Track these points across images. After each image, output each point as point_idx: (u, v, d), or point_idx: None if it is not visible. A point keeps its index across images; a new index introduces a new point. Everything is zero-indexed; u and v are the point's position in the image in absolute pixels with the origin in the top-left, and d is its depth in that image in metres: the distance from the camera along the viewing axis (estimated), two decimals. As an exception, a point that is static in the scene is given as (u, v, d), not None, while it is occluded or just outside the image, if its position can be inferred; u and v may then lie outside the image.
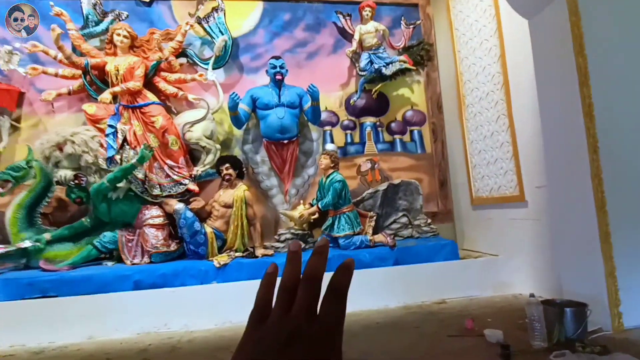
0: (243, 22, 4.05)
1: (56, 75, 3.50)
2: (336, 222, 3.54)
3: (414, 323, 2.66)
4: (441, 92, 4.34)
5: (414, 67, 4.04)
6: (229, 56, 3.82)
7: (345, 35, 4.21)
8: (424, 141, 4.28)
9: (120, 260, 3.28)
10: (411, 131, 4.27)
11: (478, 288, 3.24)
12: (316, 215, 3.64)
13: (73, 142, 3.18)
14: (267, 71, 3.76)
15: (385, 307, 3.09)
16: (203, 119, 3.55)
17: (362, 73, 4.04)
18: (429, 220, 3.89)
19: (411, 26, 4.14)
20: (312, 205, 3.72)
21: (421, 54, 4.18)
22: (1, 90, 3.47)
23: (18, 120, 3.64)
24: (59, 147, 3.18)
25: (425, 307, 3.03)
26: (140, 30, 3.72)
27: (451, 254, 3.43)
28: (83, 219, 3.35)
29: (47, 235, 3.19)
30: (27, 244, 3.09)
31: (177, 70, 3.71)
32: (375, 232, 3.67)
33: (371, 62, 4.01)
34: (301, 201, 3.75)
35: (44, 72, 3.47)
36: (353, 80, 4.22)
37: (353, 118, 4.18)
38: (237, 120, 3.61)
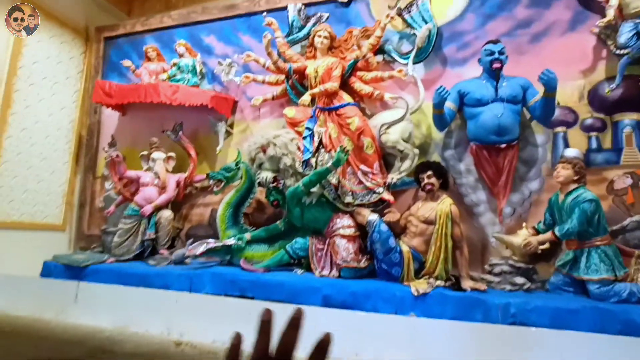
0: (447, 9, 3.46)
1: (263, 82, 3.68)
2: (583, 259, 2.50)
3: None
4: None
5: None
6: (432, 47, 3.29)
7: (589, 5, 3.12)
8: None
9: (309, 268, 3.11)
10: None
11: None
12: (547, 245, 2.69)
13: (275, 145, 3.19)
14: (479, 60, 3.05)
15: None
16: (401, 119, 3.10)
17: (622, 51, 2.86)
18: None
19: None
20: (537, 231, 2.78)
21: None
22: (221, 99, 3.86)
23: (232, 126, 4.00)
24: (263, 149, 3.24)
25: None
26: (338, 32, 3.59)
27: None
28: (278, 222, 3.34)
29: (247, 235, 3.28)
30: (231, 241, 3.23)
31: (374, 68, 3.40)
32: (648, 281, 2.46)
33: (638, 34, 2.81)
34: (524, 224, 2.85)
35: (254, 80, 3.69)
36: (601, 64, 3.07)
37: (601, 115, 3.02)
38: (440, 120, 3.02)
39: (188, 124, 3.98)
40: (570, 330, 2.18)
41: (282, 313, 2.32)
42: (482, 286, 2.61)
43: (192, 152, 3.86)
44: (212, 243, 3.24)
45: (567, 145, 3.01)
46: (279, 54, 3.63)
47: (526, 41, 3.25)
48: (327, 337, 0.47)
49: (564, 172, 2.61)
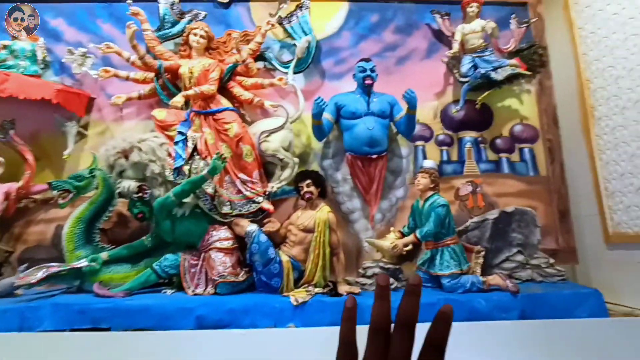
0: (326, 24, 3.61)
1: (127, 78, 3.23)
2: (438, 257, 2.84)
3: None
4: (557, 103, 3.59)
5: (528, 72, 3.36)
6: (312, 59, 3.37)
7: (440, 38, 3.64)
8: (536, 161, 3.51)
9: (181, 287, 2.80)
10: (520, 149, 3.53)
11: (644, 359, 2.36)
12: (410, 247, 2.97)
13: (140, 149, 2.81)
14: (354, 75, 3.25)
15: (516, 376, 2.30)
16: (282, 127, 3.08)
17: (464, 79, 3.41)
18: (552, 261, 3.07)
19: (524, 25, 3.49)
20: (403, 234, 3.06)
21: (533, 59, 3.48)
22: (72, 94, 3.24)
23: (86, 127, 3.39)
24: (125, 154, 2.82)
25: (575, 383, 2.21)
26: (216, 34, 3.40)
27: (597, 308, 2.60)
28: (144, 238, 2.94)
29: (104, 255, 2.80)
30: (82, 263, 2.70)
31: (254, 74, 3.31)
32: (483, 272, 2.93)
33: (475, 66, 3.38)
34: (391, 229, 3.11)
35: (116, 75, 3.21)
36: (450, 89, 3.60)
37: (450, 132, 3.53)
38: (319, 131, 3.10)
39: (25, 122, 3.23)
40: (428, 322, 2.42)
41: (148, 344, 1.99)
42: (357, 289, 2.74)
43: (29, 157, 3.13)
44: (54, 267, 2.66)
45: (425, 157, 3.42)
46: (148, 50, 3.24)
47: (393, 63, 3.60)
48: (449, 307, 0.45)
49: (422, 180, 2.94)
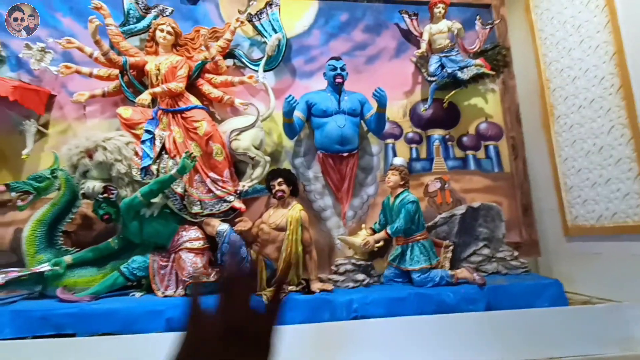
0: (296, 23, 3.61)
1: (90, 75, 3.11)
2: (408, 252, 2.91)
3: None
4: (519, 102, 3.75)
5: (492, 72, 3.48)
6: (282, 57, 3.36)
7: (409, 38, 3.71)
8: (500, 158, 3.65)
9: (150, 290, 2.73)
10: (486, 146, 3.66)
11: (599, 344, 2.51)
12: (381, 243, 3.02)
13: (105, 149, 2.72)
14: (324, 74, 3.27)
15: (482, 365, 2.39)
16: (252, 125, 3.06)
17: (432, 79, 3.49)
18: (516, 253, 3.21)
19: (488, 26, 3.61)
20: (374, 231, 3.11)
21: (497, 59, 3.62)
22: (29, 91, 3.09)
23: (46, 125, 3.23)
24: (89, 153, 2.72)
25: (536, 368, 2.32)
26: (184, 30, 3.32)
27: (557, 298, 2.74)
28: (110, 240, 2.84)
29: (67, 258, 2.69)
30: (44, 267, 2.59)
31: (224, 72, 3.26)
32: (452, 266, 3.03)
33: (442, 66, 3.47)
34: (363, 225, 3.15)
35: (77, 72, 3.08)
36: (418, 88, 3.69)
37: (419, 130, 3.61)
38: (290, 129, 3.10)
39: (-22, 120, 3.06)
40: (399, 316, 2.49)
41: (115, 348, 1.96)
42: (329, 286, 2.76)
43: (-16, 157, 2.97)
44: (14, 272, 2.54)
45: (395, 155, 3.49)
46: (112, 45, 3.14)
47: (362, 62, 3.64)
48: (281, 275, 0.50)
49: (393, 178, 2.99)
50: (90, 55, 3.07)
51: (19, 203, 2.74)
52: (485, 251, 3.18)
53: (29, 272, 2.57)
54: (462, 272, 2.82)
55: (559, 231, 3.37)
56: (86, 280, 2.71)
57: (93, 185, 2.69)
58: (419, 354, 2.34)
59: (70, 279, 2.68)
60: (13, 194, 2.74)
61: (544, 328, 2.54)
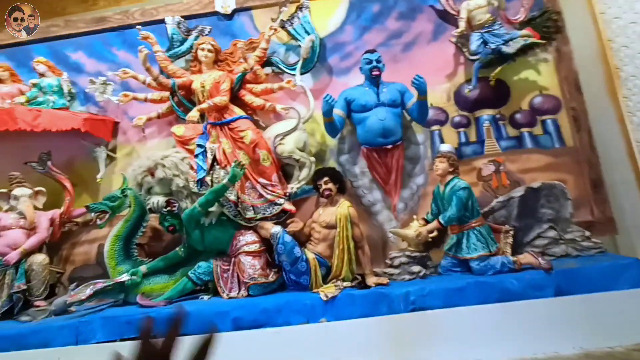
0: (328, 21, 3.63)
1: (145, 100, 3.41)
2: (464, 240, 2.81)
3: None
4: (577, 69, 3.42)
5: (542, 41, 3.22)
6: (317, 58, 3.41)
7: (446, 18, 3.56)
8: (561, 132, 3.36)
9: (216, 292, 2.93)
10: (542, 121, 3.39)
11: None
12: (435, 233, 2.94)
13: (164, 166, 2.97)
14: (360, 68, 3.25)
15: (556, 354, 2.25)
16: (294, 129, 3.14)
17: (475, 57, 3.32)
18: (588, 233, 2.95)
19: (533, -8, 3.34)
20: (427, 221, 3.04)
21: (547, 25, 3.33)
22: (97, 121, 3.46)
23: (114, 150, 3.61)
24: (150, 172, 2.98)
25: (620, 356, 2.14)
26: (223, 45, 3.51)
27: (638, 278, 2.48)
28: (177, 249, 3.10)
29: (143, 268, 2.97)
30: (124, 278, 2.89)
31: (263, 80, 3.39)
32: (514, 251, 2.86)
33: (485, 42, 3.28)
34: (414, 217, 3.09)
35: (135, 98, 3.39)
36: (461, 69, 3.52)
37: (466, 112, 3.45)
38: (331, 128, 3.13)
39: (59, 152, 3.48)
40: (459, 307, 2.42)
41: (188, 347, 2.12)
42: (385, 280, 2.76)
43: (67, 184, 3.37)
44: (100, 283, 2.86)
45: (442, 141, 3.37)
46: (161, 70, 3.40)
47: (399, 50, 3.56)
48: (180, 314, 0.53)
49: (440, 165, 2.91)
50: (144, 82, 3.36)
51: (99, 222, 3.09)
52: (551, 233, 2.97)
53: (112, 282, 2.88)
54: (526, 258, 2.66)
55: (637, 204, 3.05)
56: (160, 287, 2.98)
57: (157, 200, 2.95)
58: (483, 345, 2.26)
59: (147, 287, 2.96)
60: (93, 214, 3.09)
61: (628, 312, 2.33)
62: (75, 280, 3.21)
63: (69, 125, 3.24)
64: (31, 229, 3.20)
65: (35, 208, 3.28)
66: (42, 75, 3.55)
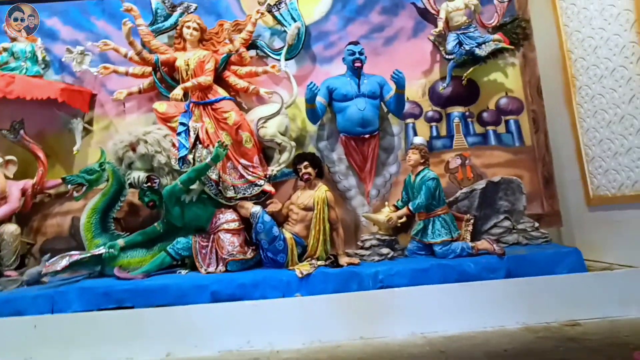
0: (314, 9, 3.72)
1: (126, 73, 3.37)
2: (429, 227, 3.06)
3: (556, 352, 2.12)
4: (540, 74, 3.73)
5: (511, 47, 3.49)
6: (302, 45, 3.50)
7: (426, 16, 3.74)
8: (522, 132, 3.69)
9: (194, 267, 3.03)
10: (506, 121, 3.70)
11: (618, 307, 2.62)
12: (404, 219, 3.18)
13: (146, 142, 2.99)
14: (343, 59, 3.38)
15: (502, 328, 2.56)
16: (277, 113, 3.24)
17: (450, 57, 3.54)
18: (537, 224, 3.30)
19: (506, 0, 3.59)
20: (397, 208, 3.27)
21: (517, 32, 3.61)
22: (74, 92, 3.39)
23: (90, 122, 3.55)
24: (132, 147, 3.00)
25: (555, 330, 2.47)
26: (207, 24, 3.50)
27: (576, 265, 2.83)
28: (155, 224, 3.14)
29: (120, 242, 3.01)
30: (101, 250, 2.92)
31: (247, 63, 3.44)
32: (473, 238, 3.16)
33: (460, 43, 3.50)
34: (386, 203, 3.31)
35: (115, 72, 3.35)
36: (436, 66, 3.74)
37: (438, 108, 3.69)
38: (313, 114, 3.26)
39: (31, 121, 3.38)
40: (423, 285, 2.68)
41: (169, 318, 2.31)
42: (356, 260, 2.97)
43: (41, 154, 3.30)
44: (76, 255, 2.87)
45: (415, 134, 3.59)
46: (143, 45, 3.36)
47: (380, 44, 3.72)
48: None
49: (413, 156, 3.12)
50: (125, 56, 3.31)
51: (75, 194, 3.07)
52: (506, 223, 3.28)
53: (89, 255, 2.90)
54: (483, 244, 2.96)
55: (581, 201, 3.43)
56: (138, 261, 3.03)
57: (138, 175, 2.97)
58: (442, 319, 2.54)
59: (124, 260, 3.00)
60: (69, 186, 3.07)
61: (565, 294, 2.67)
62: (47, 252, 3.18)
63: (45, 94, 3.16)
64: (1, 199, 3.12)
65: (5, 177, 3.20)
66: (13, 40, 3.40)
